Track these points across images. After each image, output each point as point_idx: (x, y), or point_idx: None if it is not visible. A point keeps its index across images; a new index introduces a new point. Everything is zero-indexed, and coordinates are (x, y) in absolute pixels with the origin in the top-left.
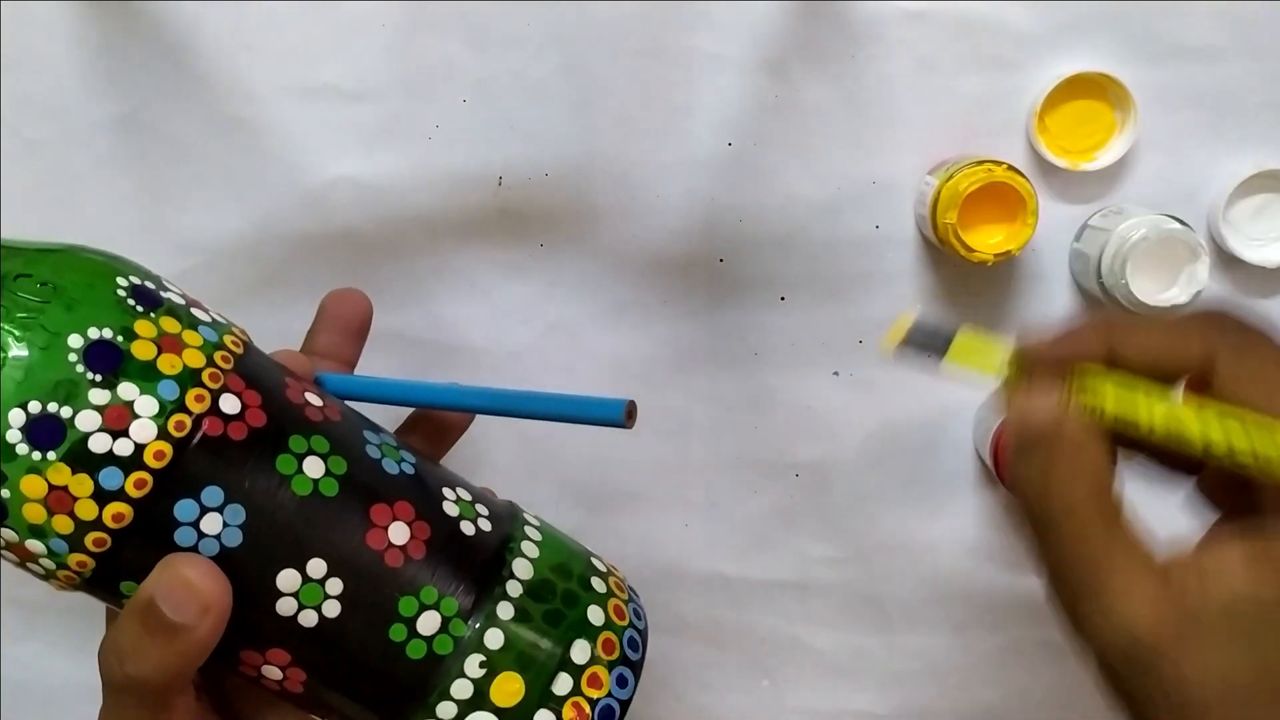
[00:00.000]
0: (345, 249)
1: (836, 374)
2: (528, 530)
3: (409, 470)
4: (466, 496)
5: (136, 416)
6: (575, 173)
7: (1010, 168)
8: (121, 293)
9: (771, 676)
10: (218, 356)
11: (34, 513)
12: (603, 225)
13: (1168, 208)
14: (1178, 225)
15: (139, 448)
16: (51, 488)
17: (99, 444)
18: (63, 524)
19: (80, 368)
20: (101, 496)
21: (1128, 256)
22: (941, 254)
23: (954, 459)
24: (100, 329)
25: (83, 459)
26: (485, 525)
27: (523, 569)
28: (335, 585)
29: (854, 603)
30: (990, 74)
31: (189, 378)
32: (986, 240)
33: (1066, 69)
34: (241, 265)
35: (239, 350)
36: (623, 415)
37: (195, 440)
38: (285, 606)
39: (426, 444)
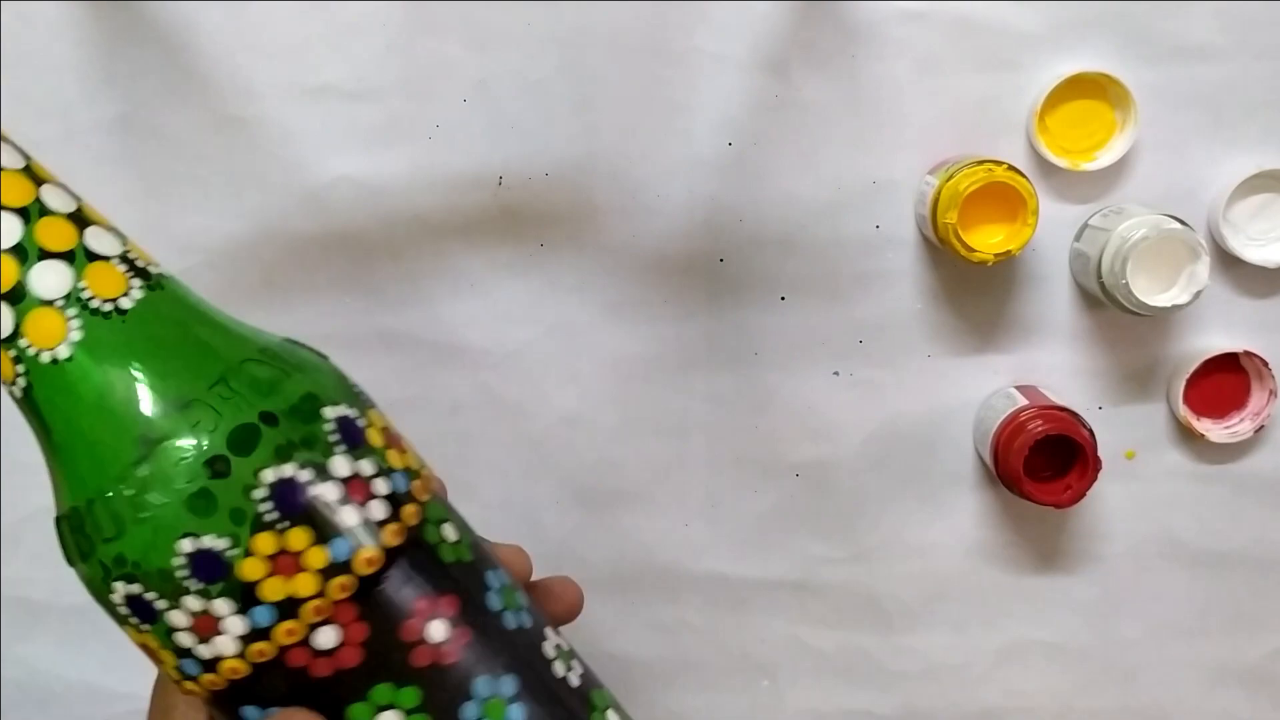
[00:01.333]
0: (345, 249)
1: (836, 374)
2: None
3: None
4: None
5: (221, 633)
6: (575, 172)
7: (1010, 167)
8: (258, 494)
9: (771, 676)
10: (335, 585)
11: (135, 639)
12: (603, 225)
13: (1168, 207)
14: (1178, 225)
15: (217, 659)
16: (143, 645)
17: (184, 640)
18: (157, 662)
19: (182, 572)
20: (182, 674)
21: (1128, 256)
22: (942, 254)
23: (954, 459)
24: (212, 537)
25: (168, 642)
26: None
27: None
28: None
29: (854, 603)
30: (990, 74)
31: (288, 608)
32: (987, 240)
33: (1066, 69)
34: (241, 265)
35: (370, 569)
36: None
37: (276, 665)
38: None
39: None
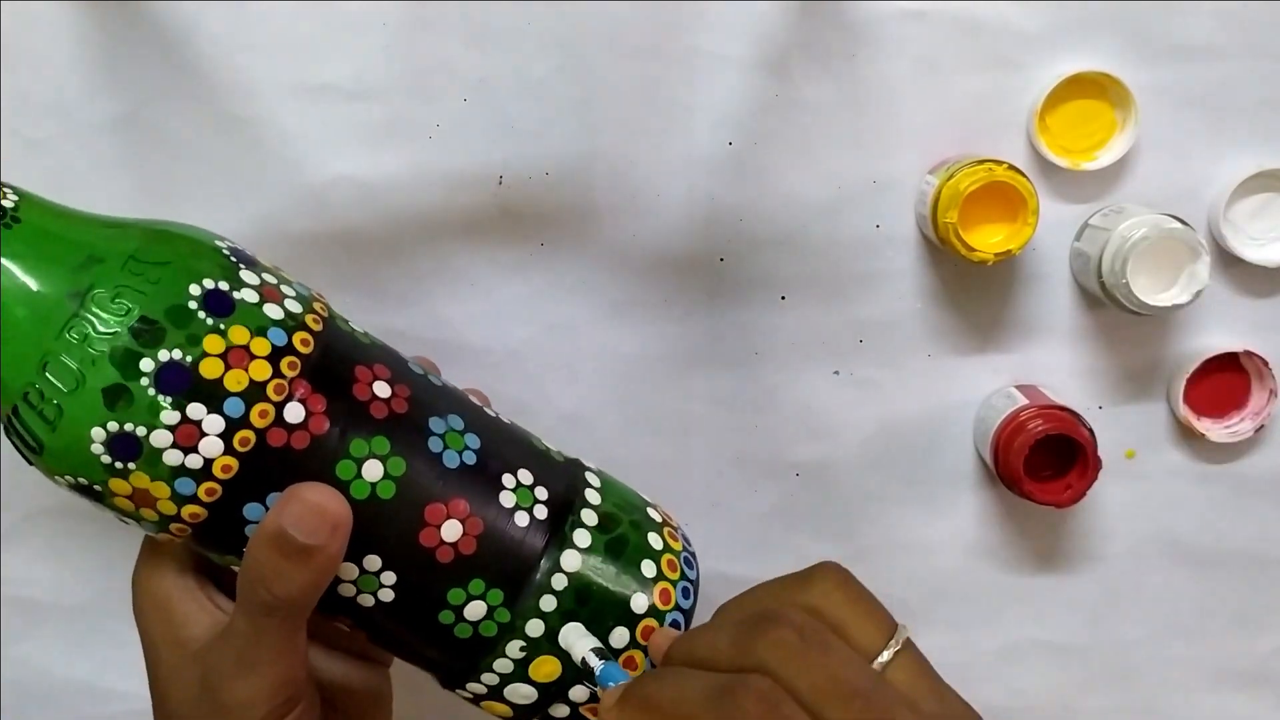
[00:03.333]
0: (345, 248)
1: (836, 374)
2: (583, 516)
3: (470, 461)
4: (527, 479)
5: (204, 435)
6: (576, 172)
7: (1011, 167)
8: (193, 304)
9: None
10: (284, 364)
11: (123, 503)
12: (603, 224)
13: (1168, 207)
14: (1178, 224)
15: (208, 462)
16: (134, 489)
17: (172, 458)
18: (149, 515)
19: (151, 391)
20: (179, 499)
21: (1128, 256)
22: (942, 253)
23: (954, 459)
24: (170, 350)
25: (159, 468)
26: (540, 513)
27: (571, 562)
28: (389, 577)
29: None
30: (990, 74)
31: (254, 393)
32: (987, 240)
33: (1067, 69)
34: None
35: (307, 349)
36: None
37: (261, 450)
38: (345, 590)
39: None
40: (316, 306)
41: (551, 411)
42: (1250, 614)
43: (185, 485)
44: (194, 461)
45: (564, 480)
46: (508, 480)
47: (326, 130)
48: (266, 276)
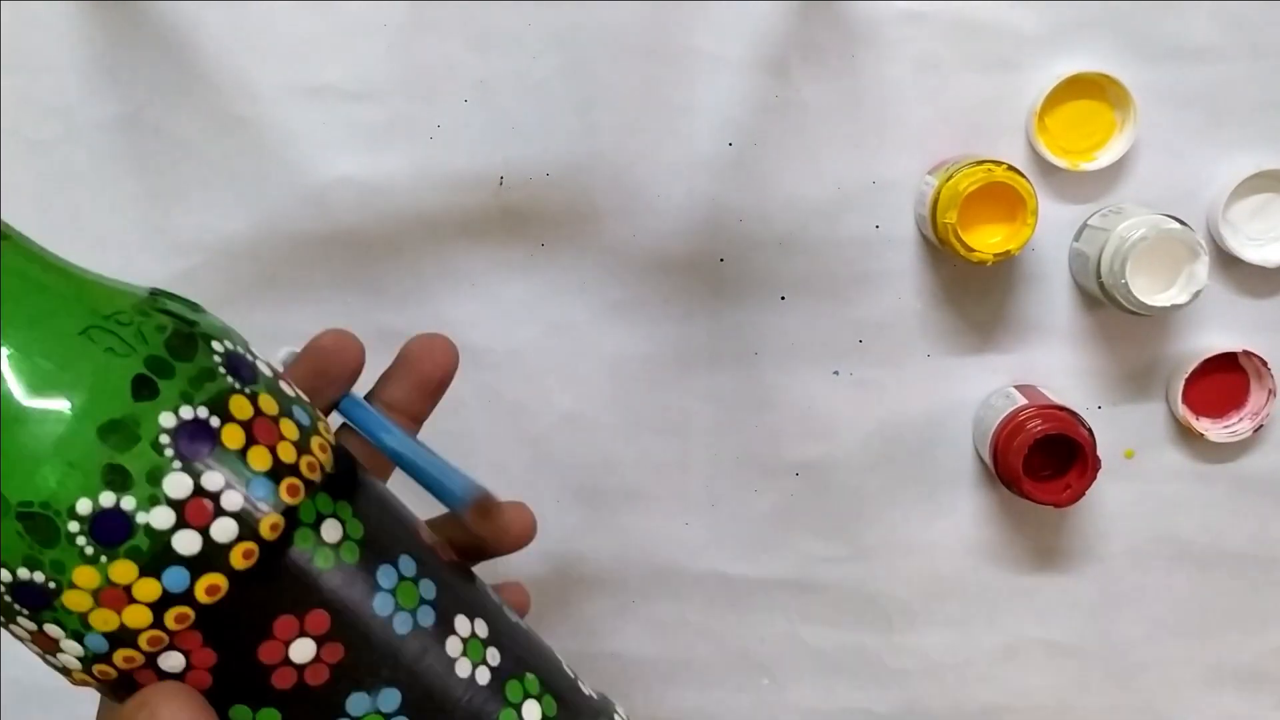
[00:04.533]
0: (347, 249)
1: (836, 374)
2: None
3: None
4: None
5: (62, 651)
6: (576, 173)
7: (1010, 168)
8: (74, 526)
9: (771, 675)
10: (170, 617)
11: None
12: (604, 225)
13: (1167, 207)
14: (1177, 225)
15: (67, 670)
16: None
17: (35, 648)
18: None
19: (8, 598)
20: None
21: (1127, 256)
22: (941, 254)
23: (954, 459)
24: (31, 571)
25: (31, 647)
26: None
27: None
28: None
29: (853, 601)
30: (990, 74)
31: (121, 638)
32: (986, 240)
33: (1066, 69)
34: (243, 265)
35: (213, 597)
36: (466, 502)
37: (126, 682)
38: None
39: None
40: (263, 527)
41: (551, 411)
42: (1249, 614)
43: (54, 664)
44: (56, 662)
45: None
46: None
47: (327, 131)
48: (209, 477)
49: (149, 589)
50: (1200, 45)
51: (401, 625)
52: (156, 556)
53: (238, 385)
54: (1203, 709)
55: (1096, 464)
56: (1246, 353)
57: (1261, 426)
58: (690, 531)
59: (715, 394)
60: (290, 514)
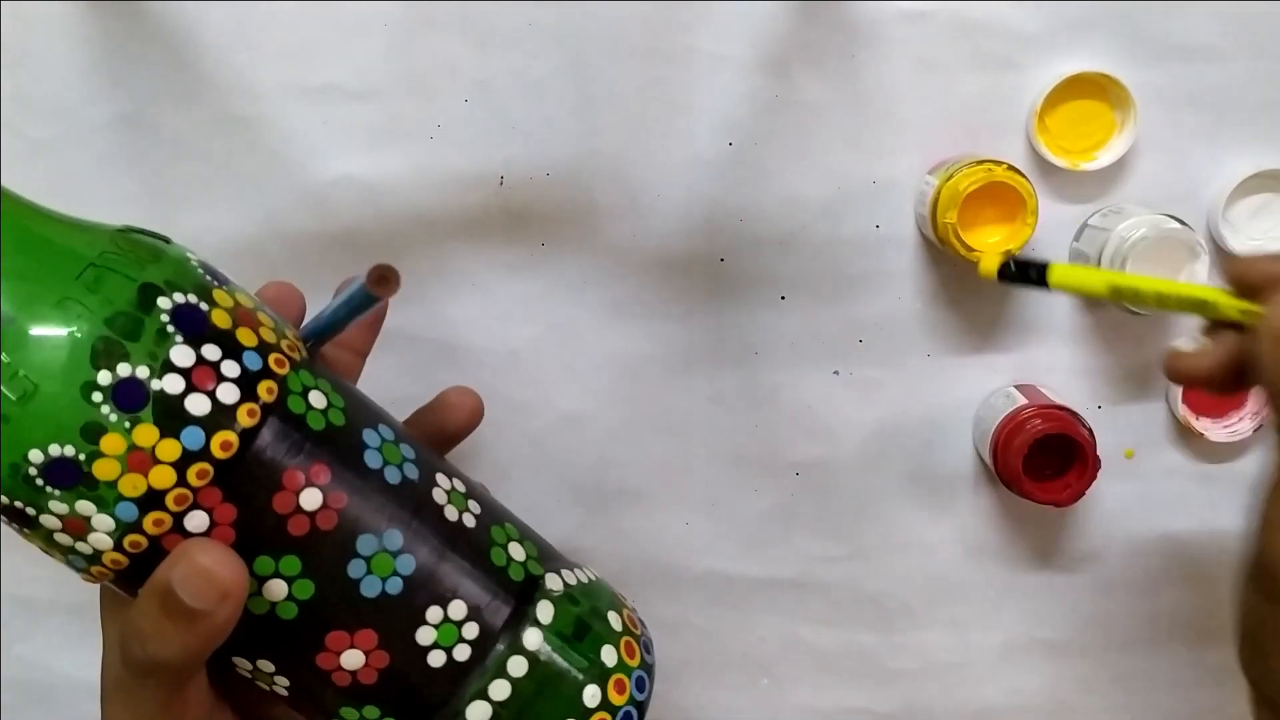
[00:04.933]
0: (347, 248)
1: (836, 373)
2: (510, 666)
3: (393, 590)
4: (458, 613)
5: (93, 530)
6: (576, 172)
7: (1010, 167)
8: (97, 396)
9: (771, 674)
10: (193, 473)
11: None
12: (604, 224)
13: (1167, 207)
14: (1177, 225)
15: (97, 552)
16: (41, 543)
17: (61, 540)
18: (59, 558)
19: (39, 481)
20: (77, 566)
21: (1127, 256)
22: (941, 254)
23: (954, 459)
24: (62, 445)
25: (51, 544)
26: (461, 654)
27: (478, 713)
28: (283, 680)
29: (854, 601)
30: (990, 74)
31: (150, 501)
32: (986, 240)
33: (1066, 69)
34: (244, 264)
35: (227, 453)
36: (367, 288)
37: (155, 552)
38: (241, 670)
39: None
40: (260, 390)
41: (551, 411)
42: None
43: (77, 560)
44: (83, 548)
45: (505, 612)
46: (433, 614)
47: (328, 131)
48: (206, 349)
49: (170, 449)
50: (1200, 45)
51: (392, 476)
52: (173, 418)
53: (215, 282)
54: (1202, 709)
55: (1096, 464)
56: None
57: (1261, 426)
58: (690, 531)
59: (715, 393)
60: (280, 382)
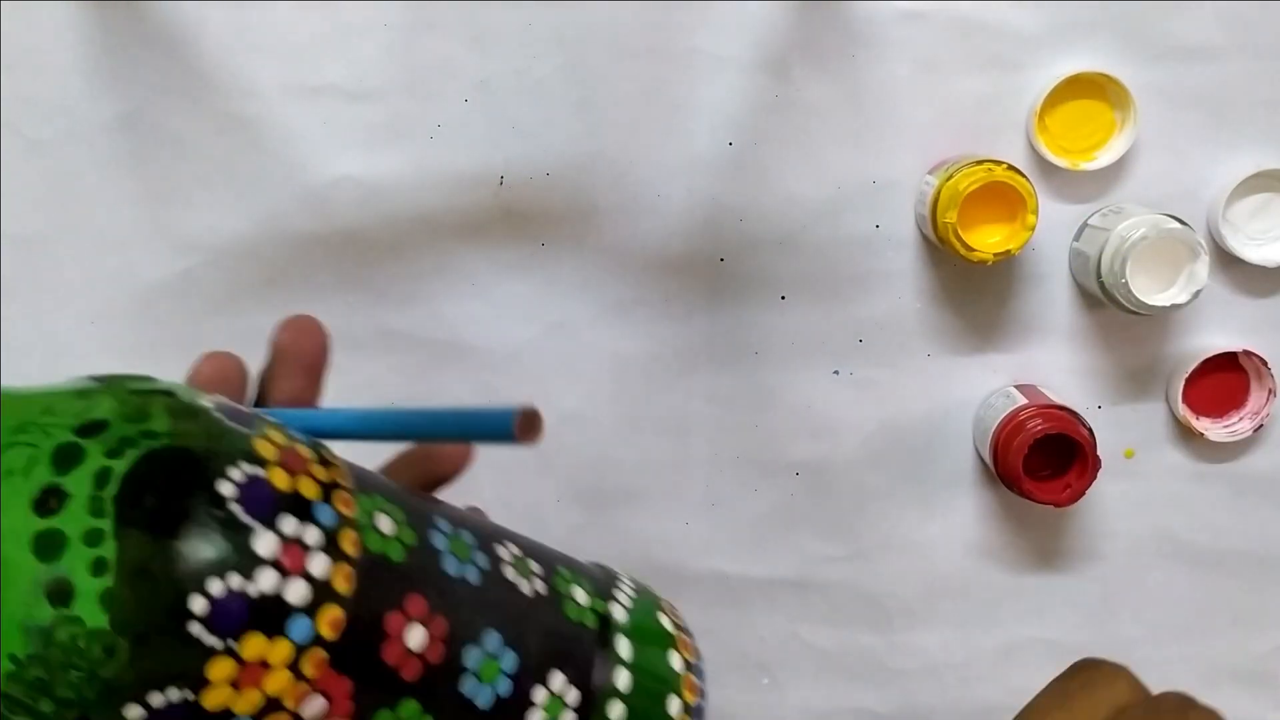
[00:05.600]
0: (347, 248)
1: (836, 373)
2: (610, 706)
3: (504, 692)
4: (558, 684)
5: None
6: (576, 172)
7: (1010, 167)
8: (196, 628)
9: (771, 674)
10: (309, 663)
11: None
12: (604, 225)
13: (1167, 207)
14: (1177, 224)
15: None
16: None
17: None
18: None
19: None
20: None
21: (1127, 255)
22: (941, 253)
23: (954, 459)
24: (164, 693)
25: None
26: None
27: None
28: None
29: (854, 601)
30: (990, 74)
31: (270, 709)
32: (986, 240)
33: (1066, 69)
34: (244, 264)
35: (335, 632)
36: (512, 429)
37: None
38: None
39: (417, 485)
40: (345, 544)
41: (552, 411)
42: (1249, 613)
43: None
44: None
45: (592, 663)
46: (538, 695)
47: (328, 131)
48: (284, 522)
49: (281, 651)
50: (1200, 45)
51: (472, 576)
52: (277, 617)
53: (249, 430)
54: None
55: (1096, 464)
56: (1246, 352)
57: (1261, 426)
58: (690, 531)
59: (715, 394)
60: (355, 527)
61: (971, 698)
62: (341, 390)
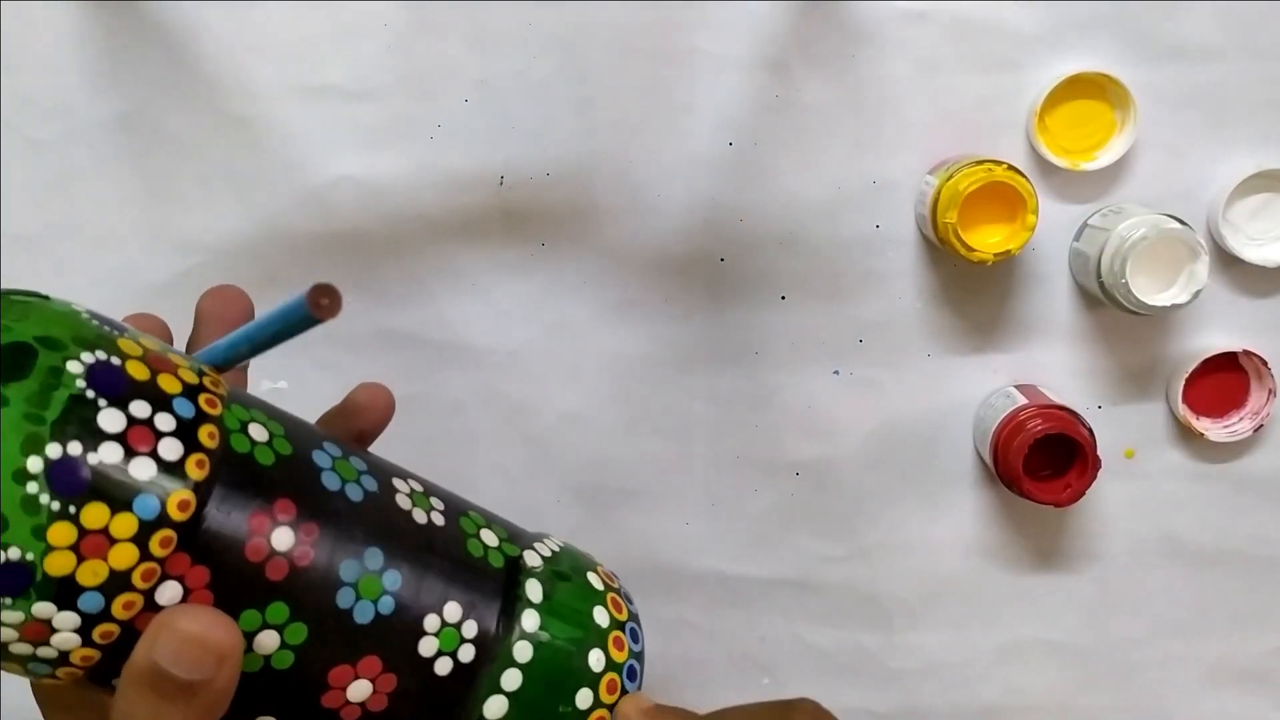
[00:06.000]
0: (347, 248)
1: (836, 373)
2: (516, 652)
3: (386, 610)
4: (454, 615)
5: (55, 631)
6: (576, 172)
7: (1010, 167)
8: (33, 487)
9: (771, 674)
10: (155, 542)
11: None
12: (604, 225)
13: (1167, 207)
14: (1177, 224)
15: (63, 653)
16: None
17: (20, 650)
18: (14, 669)
19: None
20: (37, 673)
21: (1127, 256)
22: (941, 253)
23: (954, 459)
24: (5, 549)
25: (7, 656)
26: (466, 655)
27: (495, 707)
28: None
29: (854, 601)
30: (990, 74)
31: (116, 585)
32: (986, 240)
33: (1066, 69)
34: (244, 264)
35: (185, 513)
36: (307, 309)
37: (129, 636)
38: None
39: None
40: (202, 436)
41: (551, 411)
42: (1249, 613)
43: (40, 667)
44: (46, 653)
45: (496, 602)
46: (430, 623)
47: (328, 131)
48: (135, 406)
49: (125, 524)
50: (1200, 45)
51: (354, 493)
52: (120, 490)
53: (115, 331)
54: (1203, 709)
55: (1096, 464)
56: (1246, 353)
57: (1261, 426)
58: (691, 531)
59: (715, 394)
60: (218, 423)
61: (971, 698)
62: (341, 390)
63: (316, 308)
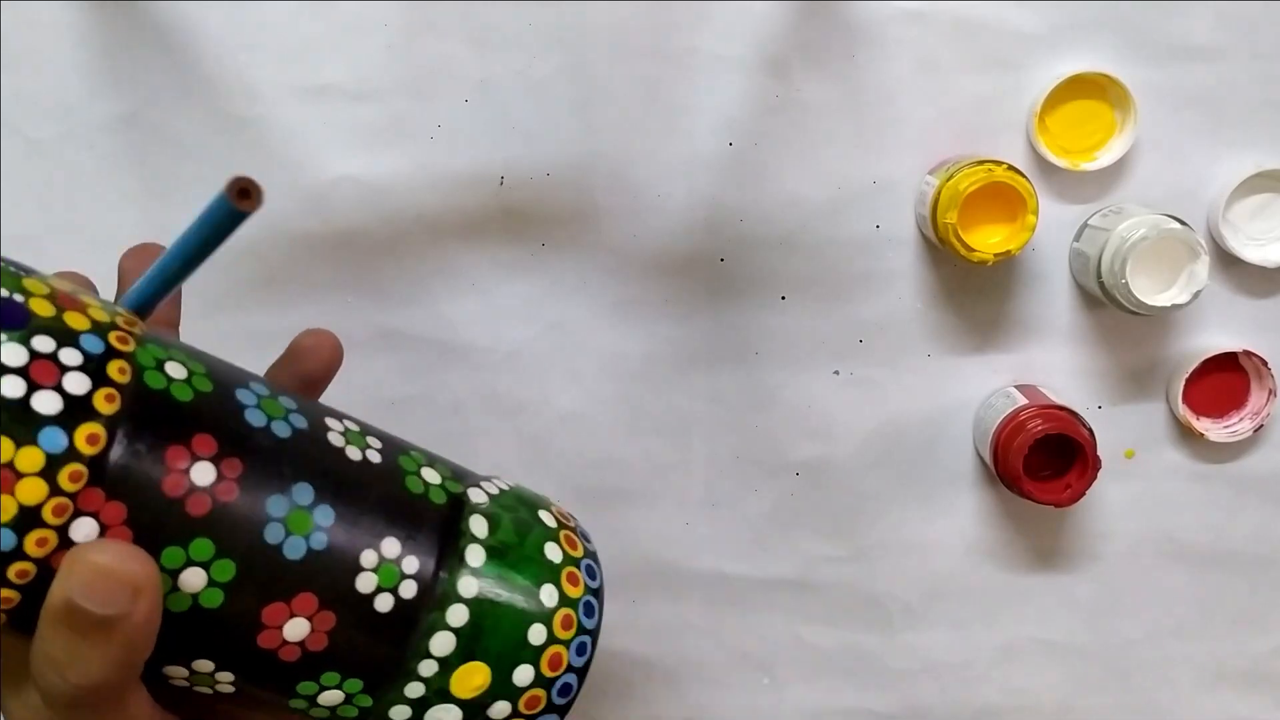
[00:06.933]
0: (347, 248)
1: (836, 373)
2: (460, 587)
3: (319, 545)
4: (392, 551)
5: None
6: (576, 172)
7: (1010, 167)
8: None
9: (771, 674)
10: (64, 476)
11: None
12: (604, 225)
13: (1168, 207)
14: (1177, 225)
15: None
16: None
17: None
18: None
19: None
20: None
21: (1127, 256)
22: (942, 254)
23: (954, 459)
24: None
25: None
26: (408, 590)
27: (441, 644)
28: (226, 676)
29: (854, 601)
30: (990, 74)
31: (26, 521)
32: (986, 240)
33: (1066, 69)
34: (243, 265)
35: (95, 447)
36: (229, 203)
37: (46, 575)
38: (177, 681)
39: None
40: (112, 371)
41: (551, 411)
42: (1249, 614)
43: None
44: None
45: (438, 539)
46: (367, 558)
47: (328, 131)
48: (38, 341)
49: (31, 457)
50: (1200, 45)
51: (280, 430)
52: (24, 423)
53: (21, 271)
54: (1203, 709)
55: (1096, 464)
56: (1246, 353)
57: (1261, 426)
58: (691, 531)
59: (715, 394)
60: (130, 359)
61: (971, 698)
62: (341, 390)
63: (239, 198)
